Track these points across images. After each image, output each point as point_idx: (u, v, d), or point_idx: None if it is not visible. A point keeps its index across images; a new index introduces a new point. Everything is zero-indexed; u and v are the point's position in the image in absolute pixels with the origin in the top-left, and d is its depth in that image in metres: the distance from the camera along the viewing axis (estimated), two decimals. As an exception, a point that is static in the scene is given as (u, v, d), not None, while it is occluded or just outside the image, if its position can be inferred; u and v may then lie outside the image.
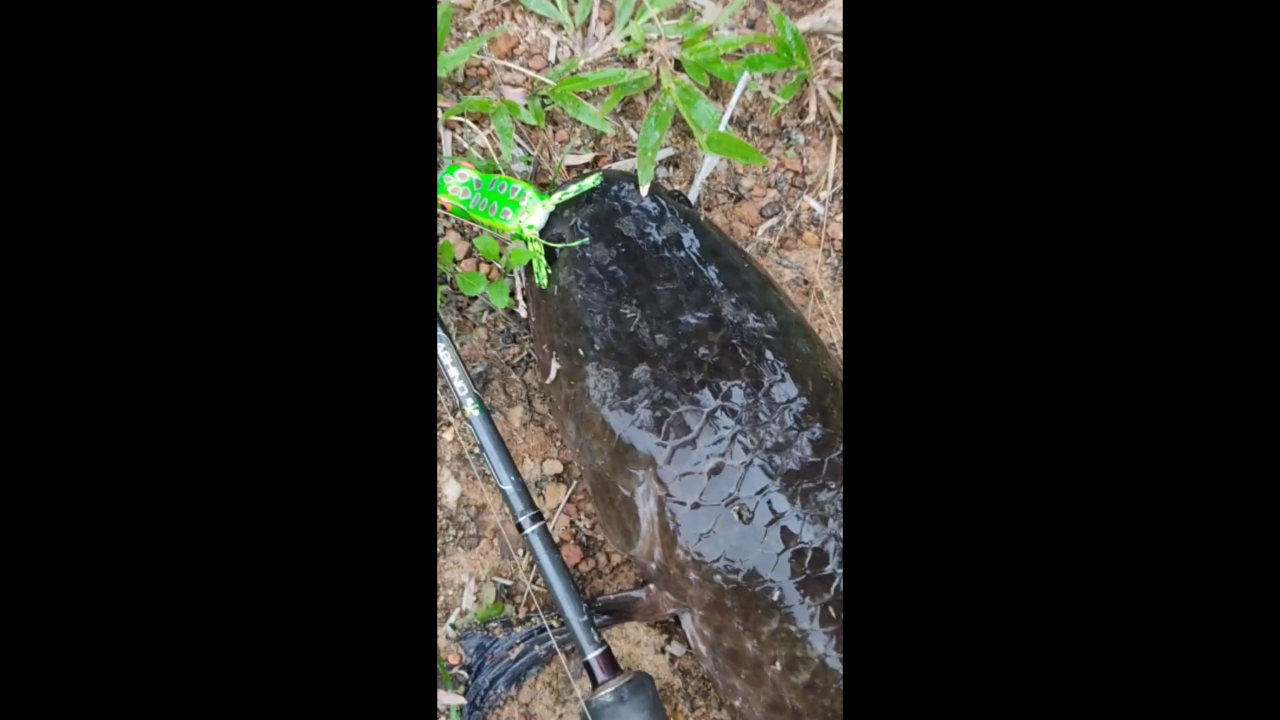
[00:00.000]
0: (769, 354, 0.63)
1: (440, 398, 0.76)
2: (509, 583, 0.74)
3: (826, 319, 0.84)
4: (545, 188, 0.78)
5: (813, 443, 0.59)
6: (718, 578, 0.58)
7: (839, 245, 0.88)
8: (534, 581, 0.73)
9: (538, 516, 0.66)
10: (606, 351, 0.64)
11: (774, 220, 0.88)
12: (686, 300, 0.65)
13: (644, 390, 0.62)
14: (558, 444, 0.79)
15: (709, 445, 0.59)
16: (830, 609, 0.55)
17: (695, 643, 0.63)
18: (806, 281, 0.87)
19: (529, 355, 0.81)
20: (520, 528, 0.66)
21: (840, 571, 0.56)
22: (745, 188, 0.89)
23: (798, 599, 0.55)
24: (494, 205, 0.77)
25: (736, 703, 0.61)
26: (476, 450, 0.76)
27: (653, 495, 0.60)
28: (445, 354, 0.70)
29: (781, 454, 0.59)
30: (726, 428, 0.59)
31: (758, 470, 0.58)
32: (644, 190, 0.73)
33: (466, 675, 0.68)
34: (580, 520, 0.76)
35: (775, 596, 0.56)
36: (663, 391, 0.61)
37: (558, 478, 0.77)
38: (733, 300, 0.65)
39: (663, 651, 0.71)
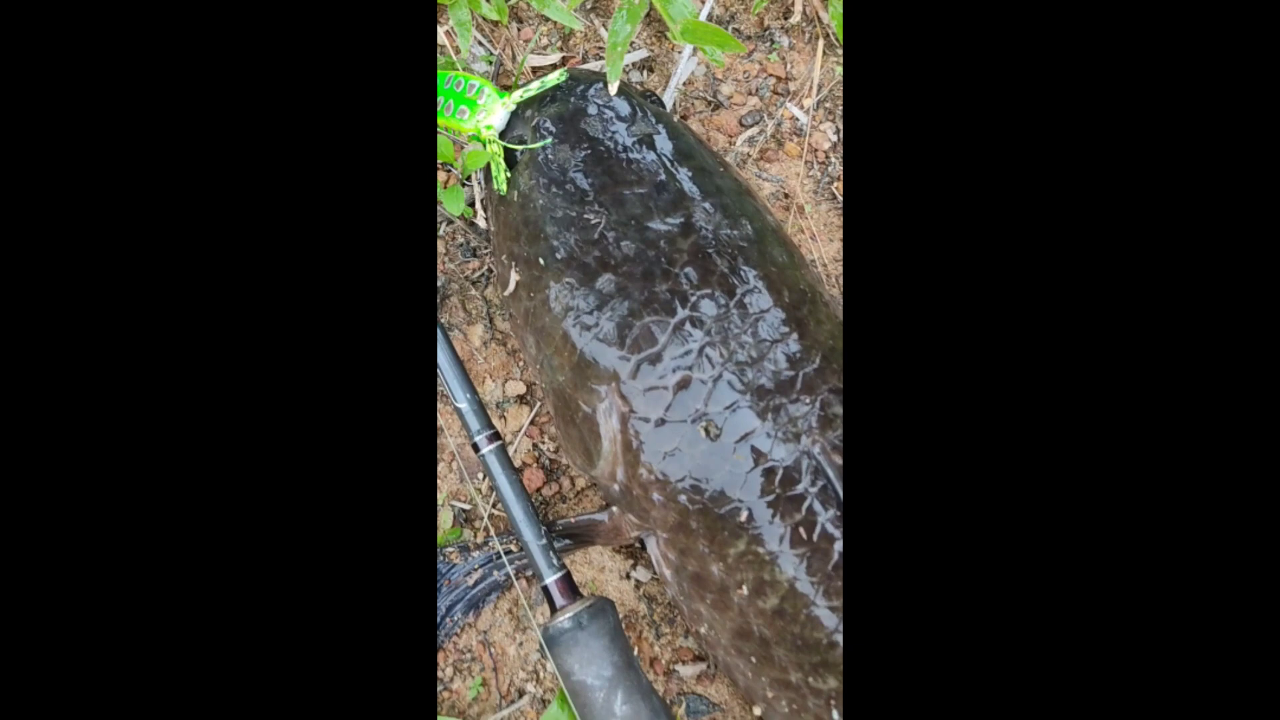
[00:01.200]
0: (742, 262, 0.58)
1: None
2: (467, 507, 0.70)
3: (807, 234, 0.80)
4: (507, 89, 0.72)
5: (787, 356, 0.55)
6: (682, 498, 0.54)
7: (821, 157, 0.83)
8: (493, 506, 0.70)
9: (495, 436, 0.63)
10: (568, 261, 0.60)
11: (754, 130, 0.82)
12: (656, 205, 0.60)
13: (608, 301, 0.57)
14: (520, 364, 0.74)
15: (676, 358, 0.55)
16: (801, 530, 0.52)
17: (660, 567, 0.59)
18: (787, 195, 0.82)
19: (489, 270, 0.76)
20: (476, 448, 0.62)
21: (813, 491, 0.52)
22: (724, 95, 0.83)
23: (767, 519, 0.52)
24: (450, 104, 0.71)
25: (702, 629, 0.58)
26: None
27: (615, 412, 0.56)
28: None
29: (753, 367, 0.55)
30: (695, 340, 0.55)
31: (727, 384, 0.54)
32: (612, 88, 0.67)
33: (422, 601, 0.65)
34: (544, 444, 0.72)
35: (743, 517, 0.53)
36: (628, 302, 0.57)
37: (520, 399, 0.73)
38: (705, 206, 0.60)
39: (627, 577, 0.68)
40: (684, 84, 0.82)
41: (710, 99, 0.83)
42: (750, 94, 0.83)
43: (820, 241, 0.80)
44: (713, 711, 0.65)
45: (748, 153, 0.82)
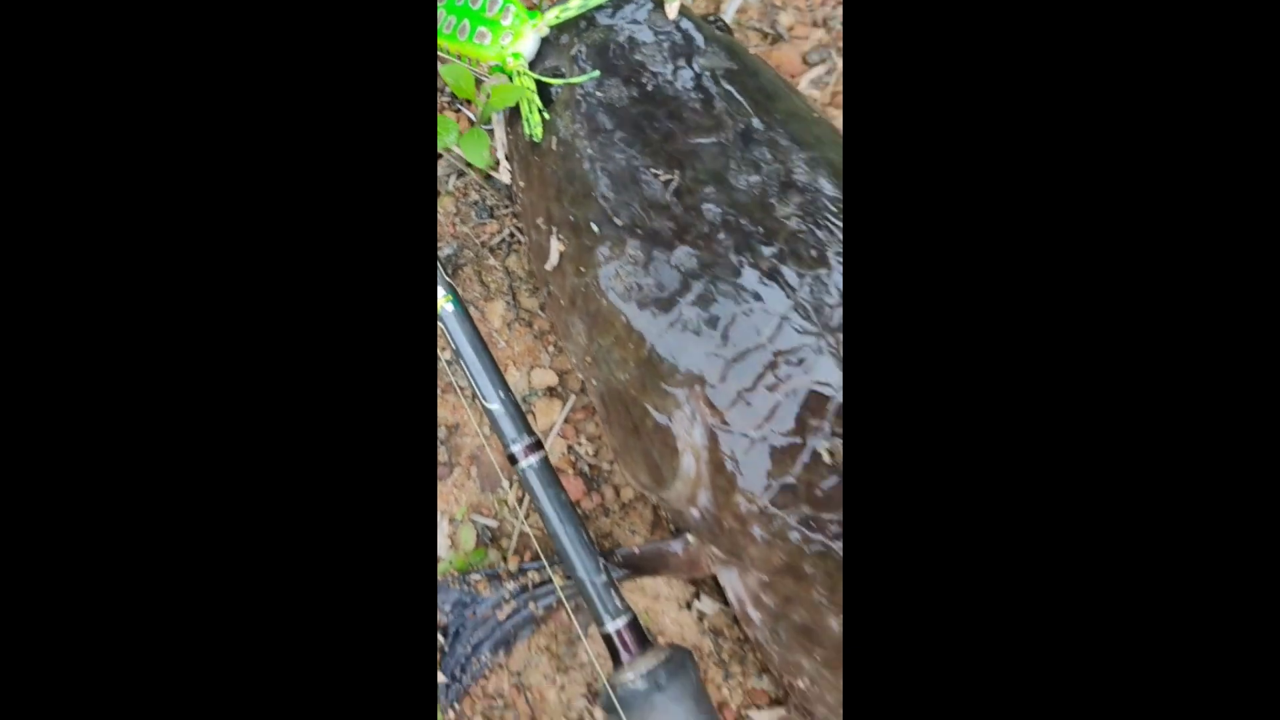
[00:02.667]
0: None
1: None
2: (493, 523, 0.59)
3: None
4: (537, 8, 0.58)
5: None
6: (795, 535, 0.43)
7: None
8: (526, 519, 0.58)
9: (536, 445, 0.50)
10: (630, 228, 0.47)
11: (821, 69, 0.69)
12: (741, 158, 0.48)
13: (688, 281, 0.45)
14: (549, 348, 0.62)
15: (783, 355, 0.43)
16: (949, 578, 0.41)
17: (744, 606, 0.49)
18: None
19: (513, 234, 0.63)
20: (513, 459, 0.50)
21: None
22: (784, 26, 0.70)
23: (904, 564, 0.41)
24: (465, 24, 0.57)
25: (802, 683, 0.48)
26: (447, 355, 0.59)
27: (700, 423, 0.44)
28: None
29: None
30: (806, 332, 0.43)
31: (849, 391, 0.43)
32: (671, 10, 0.54)
33: (443, 640, 0.54)
34: (580, 445, 0.60)
35: (874, 561, 0.42)
36: (714, 282, 0.45)
37: (550, 391, 0.61)
38: (804, 158, 0.48)
39: (688, 607, 0.58)
40: (738, 12, 0.69)
41: (768, 31, 0.69)
42: (815, 25, 0.70)
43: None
44: (791, 763, 0.55)
45: (815, 96, 0.69)
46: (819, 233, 0.45)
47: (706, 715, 0.45)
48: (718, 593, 0.57)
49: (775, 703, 0.56)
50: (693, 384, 0.45)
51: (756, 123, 0.49)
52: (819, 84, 0.69)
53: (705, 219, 0.46)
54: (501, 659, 0.55)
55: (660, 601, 0.58)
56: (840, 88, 0.69)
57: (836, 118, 0.69)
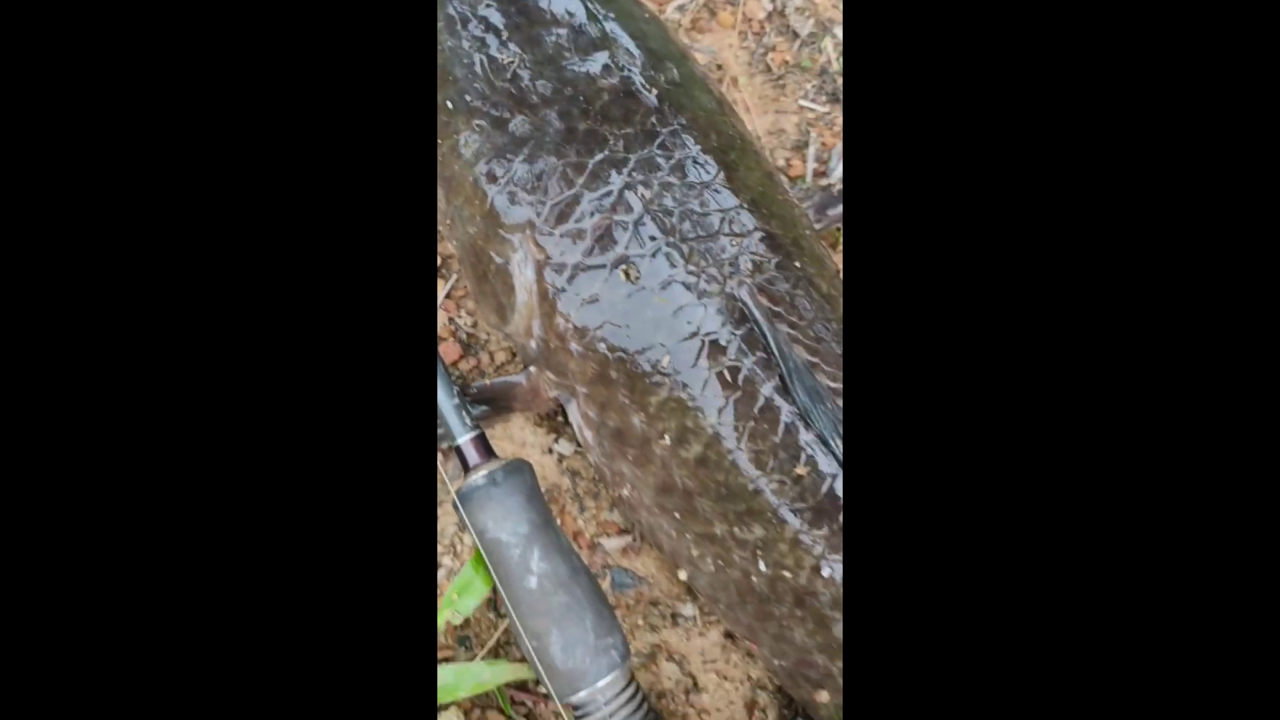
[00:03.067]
0: (667, 105, 0.55)
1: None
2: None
3: (741, 106, 0.76)
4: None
5: (714, 200, 0.52)
6: (602, 346, 0.51)
7: (756, 27, 0.79)
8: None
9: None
10: (478, 103, 0.55)
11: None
12: (575, 45, 0.56)
13: (521, 144, 0.53)
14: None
15: (595, 201, 0.51)
16: (725, 375, 0.49)
17: (581, 431, 0.57)
18: (720, 67, 0.78)
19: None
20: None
21: (738, 334, 0.50)
22: (653, -43, 0.78)
23: (689, 364, 0.50)
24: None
25: (625, 491, 0.56)
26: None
27: (530, 261, 0.53)
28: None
29: (678, 210, 0.51)
30: (615, 182, 0.52)
31: (649, 227, 0.51)
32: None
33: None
34: (460, 317, 0.68)
35: (664, 363, 0.50)
36: (543, 144, 0.53)
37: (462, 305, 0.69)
38: (628, 48, 0.56)
39: (550, 452, 0.66)
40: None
41: (639, -39, 0.78)
42: (681, -44, 0.78)
43: (755, 114, 0.76)
44: (638, 585, 0.64)
45: (678, 20, 0.77)
46: (629, 102, 0.54)
47: (537, 508, 0.53)
48: (572, 437, 0.65)
49: (623, 532, 0.64)
50: (524, 229, 0.53)
51: (590, 19, 0.57)
52: (683, 10, 0.77)
53: (539, 93, 0.54)
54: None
55: (525, 449, 0.66)
56: (700, 13, 0.77)
57: (699, 38, 0.77)
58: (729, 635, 0.63)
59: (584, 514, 0.65)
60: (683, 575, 0.58)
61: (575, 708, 0.51)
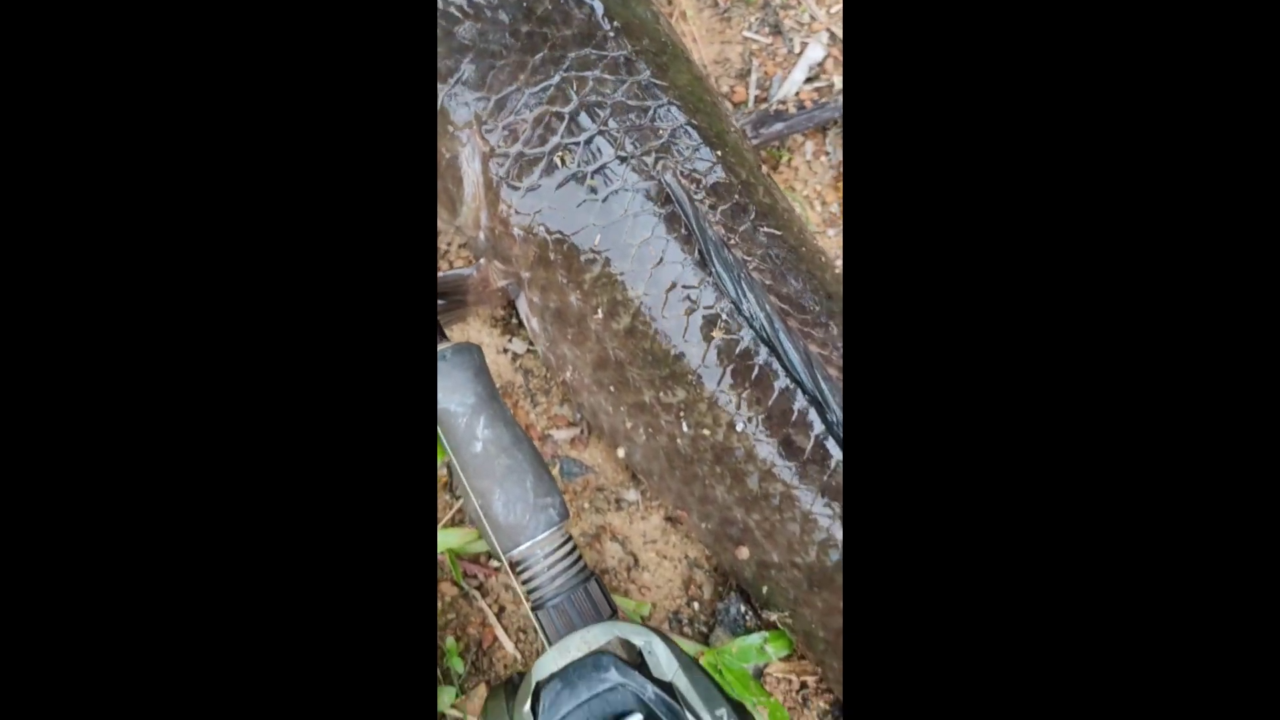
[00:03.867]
0: (602, 13, 0.59)
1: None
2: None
3: (689, 38, 0.81)
4: None
5: (647, 94, 0.57)
6: (541, 230, 0.56)
7: (705, -35, 0.83)
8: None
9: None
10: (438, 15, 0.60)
11: (637, -66, 0.82)
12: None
13: (468, 48, 0.58)
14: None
15: (535, 93, 0.56)
16: (649, 248, 0.54)
17: (528, 320, 0.61)
18: (670, 1, 0.82)
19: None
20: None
21: (662, 213, 0.54)
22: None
23: (617, 240, 0.54)
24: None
25: (568, 374, 0.61)
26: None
27: (477, 154, 0.57)
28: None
29: (610, 102, 0.56)
30: (555, 76, 0.56)
31: (584, 117, 0.56)
32: None
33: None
34: (423, 230, 0.73)
35: (596, 241, 0.54)
36: (487, 46, 0.57)
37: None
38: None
39: (505, 351, 0.70)
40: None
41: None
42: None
43: (702, 45, 0.81)
44: (585, 473, 0.68)
45: (631, -43, 0.82)
46: (571, 8, 0.58)
47: (484, 384, 0.58)
48: (525, 337, 0.70)
49: (572, 425, 0.69)
50: (471, 124, 0.57)
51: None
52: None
53: (487, 4, 0.59)
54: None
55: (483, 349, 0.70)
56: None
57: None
58: (669, 519, 0.67)
59: (536, 408, 0.69)
60: (621, 453, 0.62)
61: (516, 563, 0.56)
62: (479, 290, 0.63)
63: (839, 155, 0.76)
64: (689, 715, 0.45)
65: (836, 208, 0.75)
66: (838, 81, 0.77)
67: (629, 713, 0.46)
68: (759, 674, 0.64)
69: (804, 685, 0.65)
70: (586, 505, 0.67)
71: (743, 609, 0.64)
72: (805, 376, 0.51)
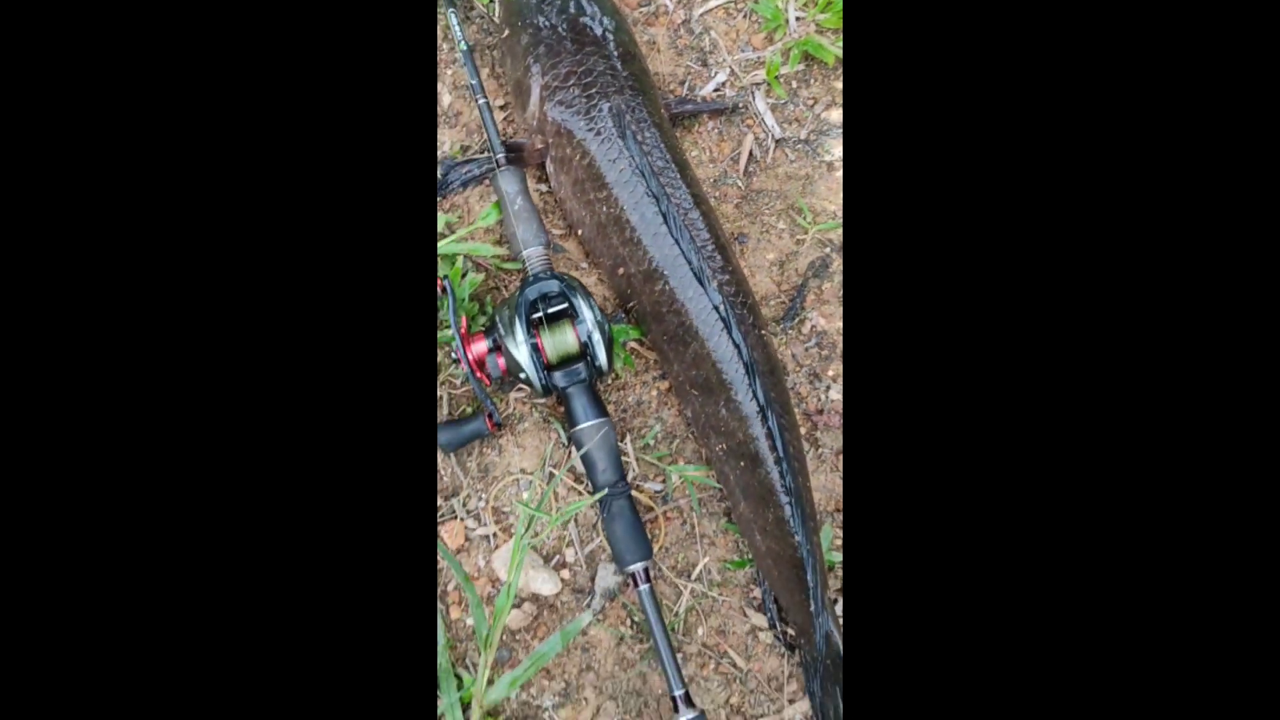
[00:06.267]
0: (611, 39, 1.33)
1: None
2: (470, 143, 1.45)
3: (653, 60, 1.54)
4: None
5: (620, 74, 1.30)
6: (564, 124, 1.29)
7: None
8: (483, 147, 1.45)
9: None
10: (528, 29, 1.35)
11: None
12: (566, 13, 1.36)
13: (536, 47, 1.32)
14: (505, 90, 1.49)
15: (569, 65, 1.30)
16: (610, 144, 1.27)
17: (554, 179, 1.35)
18: (651, 42, 1.56)
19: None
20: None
21: (619, 128, 1.28)
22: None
23: (596, 129, 1.27)
24: (490, -48, 1.45)
25: (567, 205, 1.34)
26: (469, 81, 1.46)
27: (538, 85, 1.32)
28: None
29: (603, 76, 1.29)
30: (580, 61, 1.30)
31: (589, 79, 1.29)
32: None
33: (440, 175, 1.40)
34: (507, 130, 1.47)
35: (585, 137, 1.28)
36: (543, 47, 1.32)
37: (501, 108, 1.48)
38: (602, 24, 1.35)
39: (536, 190, 1.43)
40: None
41: (625, -17, 1.57)
42: (646, -16, 1.57)
43: (661, 63, 1.54)
44: (563, 252, 1.40)
45: None
46: (590, 35, 1.33)
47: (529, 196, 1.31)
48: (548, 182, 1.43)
49: (563, 229, 1.42)
50: (537, 76, 1.31)
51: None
52: None
53: (549, 21, 1.33)
54: (457, 187, 1.41)
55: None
56: None
57: None
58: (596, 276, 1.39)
59: (546, 220, 1.42)
60: (580, 233, 1.35)
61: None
62: (529, 152, 1.37)
63: (722, 129, 1.48)
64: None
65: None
66: (729, 93, 1.50)
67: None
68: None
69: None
70: (563, 266, 1.40)
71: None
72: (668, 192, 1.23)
